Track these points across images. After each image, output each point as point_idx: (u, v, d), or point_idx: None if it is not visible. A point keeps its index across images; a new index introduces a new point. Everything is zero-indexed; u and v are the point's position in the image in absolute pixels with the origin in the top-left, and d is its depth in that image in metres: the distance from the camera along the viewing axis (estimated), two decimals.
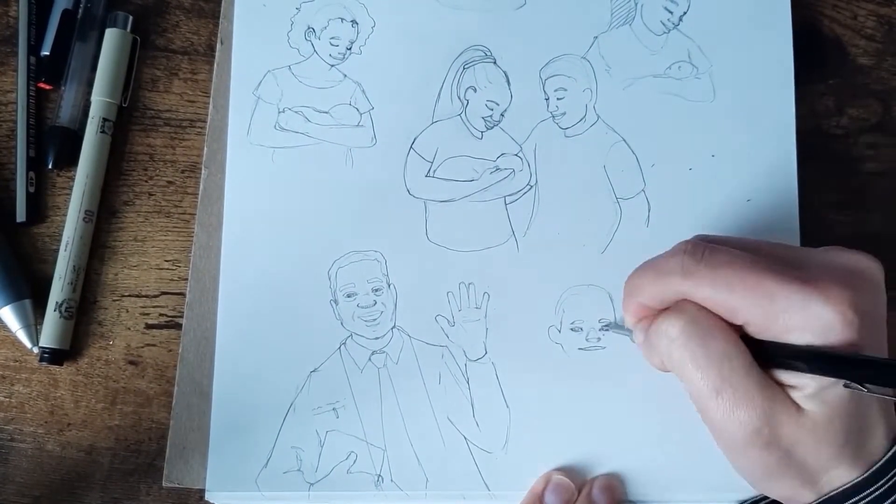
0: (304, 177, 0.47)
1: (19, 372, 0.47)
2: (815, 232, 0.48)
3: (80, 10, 0.50)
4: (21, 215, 0.48)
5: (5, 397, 0.47)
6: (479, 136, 0.48)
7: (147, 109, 0.50)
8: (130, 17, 0.50)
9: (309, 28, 0.49)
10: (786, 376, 0.36)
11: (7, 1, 0.50)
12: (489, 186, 0.47)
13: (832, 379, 0.35)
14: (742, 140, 0.48)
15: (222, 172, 0.47)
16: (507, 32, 0.49)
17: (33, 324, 0.47)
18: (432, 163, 0.47)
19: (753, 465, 0.38)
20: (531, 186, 0.47)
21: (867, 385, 0.34)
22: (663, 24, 0.49)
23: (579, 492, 0.44)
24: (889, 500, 0.35)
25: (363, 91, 0.48)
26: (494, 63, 0.48)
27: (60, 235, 0.48)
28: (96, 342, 0.48)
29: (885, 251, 0.48)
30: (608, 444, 0.45)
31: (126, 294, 0.48)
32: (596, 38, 0.49)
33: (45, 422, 0.47)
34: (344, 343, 0.46)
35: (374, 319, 0.46)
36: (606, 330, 0.46)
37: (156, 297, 0.48)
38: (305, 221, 0.47)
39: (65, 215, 0.48)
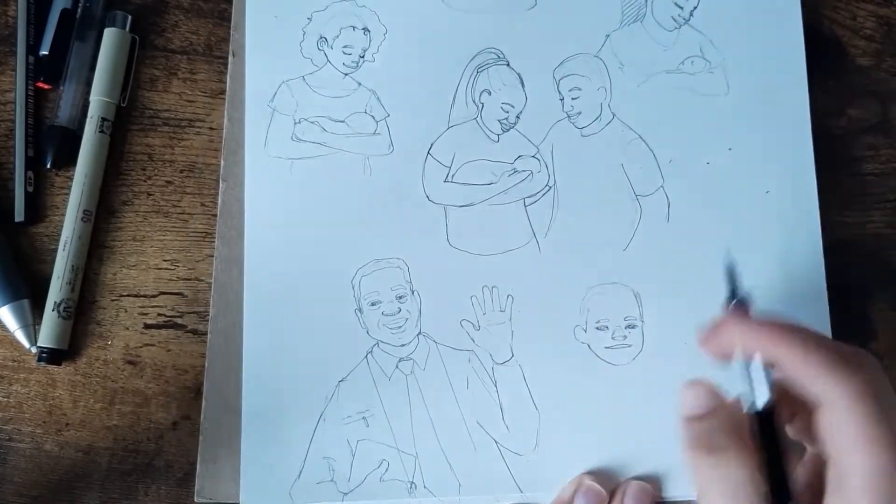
0: (322, 187, 0.47)
1: (17, 372, 0.47)
2: (816, 234, 0.48)
3: (79, 10, 0.50)
4: (19, 215, 0.48)
5: (3, 397, 0.47)
6: (496, 139, 0.48)
7: (146, 109, 0.50)
8: (129, 17, 0.50)
9: (321, 38, 0.48)
10: None
11: (6, 0, 0.50)
12: (508, 189, 0.47)
13: None
14: (758, 132, 0.48)
15: (240, 185, 0.47)
16: (519, 34, 0.49)
17: (31, 324, 0.47)
18: (450, 168, 0.47)
19: None
20: (550, 187, 0.48)
21: None
22: (674, 19, 0.49)
23: (611, 496, 0.44)
24: None
25: (378, 99, 0.48)
26: (508, 65, 0.48)
27: (59, 235, 0.47)
28: (95, 342, 0.48)
29: (885, 251, 0.49)
30: (640, 443, 0.45)
31: (124, 294, 0.48)
32: (608, 36, 0.49)
33: (44, 422, 0.47)
34: (370, 351, 0.46)
35: (400, 327, 0.46)
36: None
37: (154, 297, 0.48)
38: (326, 231, 0.47)
39: (63, 215, 0.48)
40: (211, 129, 0.49)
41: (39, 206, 0.49)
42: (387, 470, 0.45)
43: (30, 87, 0.49)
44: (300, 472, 0.45)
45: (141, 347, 0.47)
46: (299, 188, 0.47)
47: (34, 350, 0.47)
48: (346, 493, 0.45)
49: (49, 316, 0.46)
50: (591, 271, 0.47)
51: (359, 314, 0.46)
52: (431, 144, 0.48)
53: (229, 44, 0.49)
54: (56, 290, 0.47)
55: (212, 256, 0.47)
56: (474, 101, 0.48)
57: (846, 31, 0.52)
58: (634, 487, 0.44)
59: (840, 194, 0.50)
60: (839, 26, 0.52)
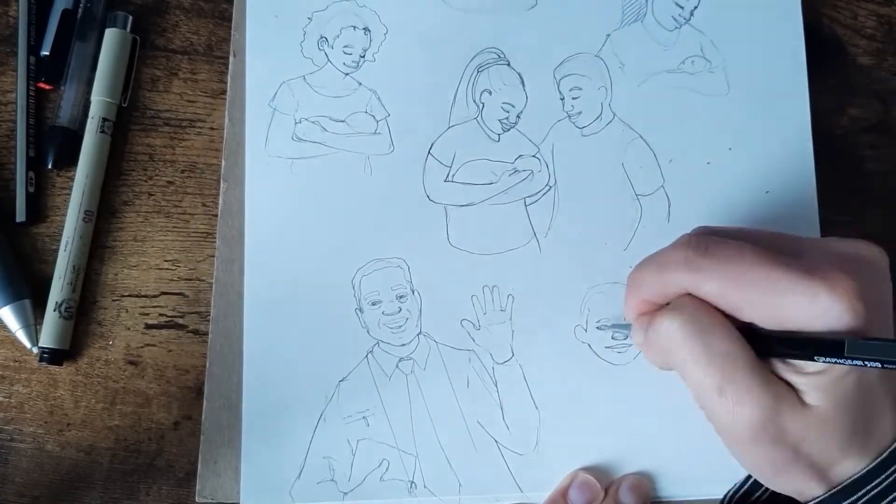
0: (323, 186, 0.47)
1: (19, 372, 0.47)
2: (815, 233, 0.48)
3: (80, 10, 0.50)
4: (21, 215, 0.48)
5: (5, 397, 0.47)
6: (496, 139, 0.48)
7: (147, 109, 0.50)
8: (130, 17, 0.50)
9: (322, 37, 0.48)
10: (789, 373, 0.36)
11: (7, 1, 0.50)
12: (508, 189, 0.47)
13: (837, 373, 0.34)
14: (758, 132, 0.48)
15: (241, 185, 0.47)
16: (520, 33, 0.49)
17: (33, 324, 0.47)
18: (451, 167, 0.47)
19: (761, 461, 0.37)
20: (550, 187, 0.48)
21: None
22: (674, 19, 0.49)
23: (606, 491, 0.44)
24: None
25: (379, 98, 0.48)
26: (508, 65, 0.48)
27: (60, 235, 0.47)
28: (96, 342, 0.48)
29: (885, 251, 0.49)
30: (639, 442, 0.45)
31: (126, 294, 0.48)
32: (608, 35, 0.49)
33: (45, 422, 0.47)
34: (371, 351, 0.46)
35: (400, 326, 0.46)
36: (603, 329, 0.46)
37: (155, 297, 0.48)
38: (327, 231, 0.47)
39: (64, 215, 0.48)
40: (212, 129, 0.49)
41: (40, 207, 0.49)
42: (387, 469, 0.45)
43: (31, 88, 0.49)
44: (300, 471, 0.45)
45: (142, 347, 0.47)
46: (300, 188, 0.47)
47: (35, 350, 0.47)
48: (346, 493, 0.45)
49: (50, 316, 0.46)
50: (591, 271, 0.47)
51: (359, 314, 0.46)
52: (432, 144, 0.48)
53: (230, 44, 0.49)
54: (57, 291, 0.47)
55: (213, 257, 0.47)
56: (475, 101, 0.48)
57: (847, 30, 0.52)
58: (630, 480, 0.44)
59: (840, 194, 0.50)
60: (840, 25, 0.52)
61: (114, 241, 0.49)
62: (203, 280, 0.48)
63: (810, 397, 0.35)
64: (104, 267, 0.48)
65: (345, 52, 0.48)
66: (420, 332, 0.46)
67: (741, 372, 0.35)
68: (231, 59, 0.49)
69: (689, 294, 0.37)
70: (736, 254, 0.36)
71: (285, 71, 0.48)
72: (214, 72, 0.50)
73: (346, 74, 0.48)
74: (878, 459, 0.36)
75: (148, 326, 0.48)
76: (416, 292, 0.46)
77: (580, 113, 0.48)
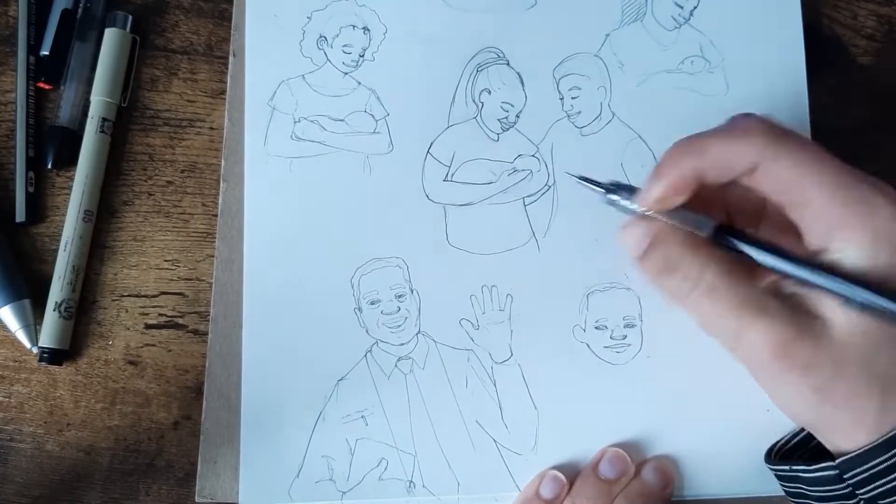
0: (322, 186, 0.47)
1: (19, 372, 0.47)
2: None
3: (80, 10, 0.50)
4: (20, 215, 0.48)
5: (5, 397, 0.47)
6: (496, 139, 0.48)
7: (146, 109, 0.50)
8: (130, 17, 0.50)
9: (321, 37, 0.48)
10: (816, 304, 0.35)
11: (6, 0, 0.50)
12: (507, 188, 0.47)
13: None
14: None
15: (241, 185, 0.47)
16: (519, 33, 0.49)
17: (33, 324, 0.47)
18: (450, 167, 0.47)
19: (797, 396, 0.36)
20: (549, 187, 0.48)
21: None
22: (674, 19, 0.49)
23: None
24: None
25: (378, 98, 0.48)
26: (507, 64, 0.48)
27: (60, 235, 0.48)
28: (96, 342, 0.48)
29: None
30: (637, 441, 0.45)
31: (125, 294, 0.48)
32: (608, 35, 0.49)
33: (45, 422, 0.47)
34: (370, 350, 0.46)
35: (399, 326, 0.46)
36: (612, 198, 0.38)
37: (155, 297, 0.48)
38: (326, 230, 0.47)
39: (64, 215, 0.48)
40: (211, 129, 0.49)
41: (40, 207, 0.49)
42: (386, 469, 0.45)
43: (30, 88, 0.49)
44: (299, 470, 0.45)
45: (142, 347, 0.48)
46: (299, 187, 0.47)
47: (35, 350, 0.47)
48: (344, 492, 0.45)
49: (50, 316, 0.46)
50: (590, 271, 0.47)
51: (358, 313, 0.46)
52: (431, 143, 0.48)
53: (230, 44, 0.49)
54: (57, 291, 0.47)
55: (212, 256, 0.48)
56: (474, 101, 0.48)
57: (847, 30, 0.52)
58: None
59: None
60: (840, 25, 0.52)
61: (113, 240, 0.49)
62: (203, 280, 0.48)
63: (838, 331, 0.34)
64: (104, 267, 0.48)
65: (344, 52, 0.48)
66: (419, 332, 0.46)
67: (754, 310, 0.35)
68: (231, 58, 0.49)
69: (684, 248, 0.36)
70: (812, 145, 0.36)
71: (284, 70, 0.48)
72: (214, 72, 0.50)
73: (346, 74, 0.48)
74: None
75: (148, 326, 0.48)
76: (414, 292, 0.46)
77: (579, 112, 0.48)
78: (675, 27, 0.49)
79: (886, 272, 0.33)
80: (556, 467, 0.45)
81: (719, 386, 0.45)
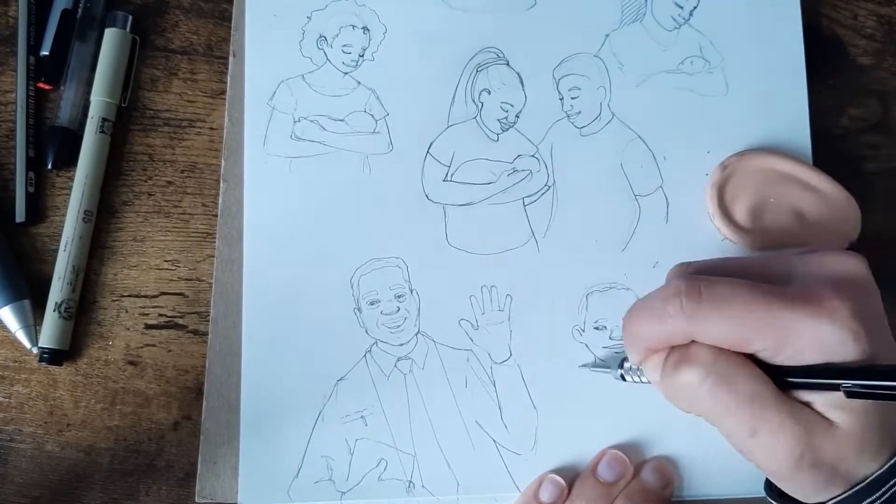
0: (322, 186, 0.47)
1: (19, 372, 0.47)
2: None
3: (80, 10, 0.50)
4: (20, 215, 0.48)
5: (4, 398, 0.47)
6: (495, 139, 0.48)
7: (146, 109, 0.50)
8: (130, 17, 0.50)
9: (321, 36, 0.48)
10: (808, 396, 0.36)
11: (6, 1, 0.50)
12: (507, 188, 0.47)
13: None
14: (757, 132, 0.48)
15: (241, 185, 0.47)
16: (519, 33, 0.49)
17: (32, 324, 0.47)
18: (449, 167, 0.47)
19: (805, 485, 0.37)
20: (549, 187, 0.48)
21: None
22: (674, 19, 0.49)
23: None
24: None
25: (377, 97, 0.48)
26: (507, 64, 0.48)
27: (60, 235, 0.47)
28: (95, 342, 0.48)
29: (885, 251, 0.49)
30: (637, 442, 0.45)
31: (125, 294, 0.48)
32: (607, 35, 0.49)
33: (45, 422, 0.47)
34: (369, 350, 0.46)
35: (398, 326, 0.46)
36: (590, 368, 0.45)
37: (155, 297, 0.48)
38: (325, 230, 0.47)
39: (64, 215, 0.48)
40: (211, 129, 0.49)
41: (40, 207, 0.49)
42: (385, 469, 0.45)
43: (30, 88, 0.49)
44: (298, 470, 0.45)
45: (142, 348, 0.48)
46: (298, 187, 0.47)
47: (35, 350, 0.47)
48: (344, 492, 0.45)
49: (50, 316, 0.46)
50: (589, 271, 0.47)
51: (357, 313, 0.46)
52: (431, 143, 0.48)
53: (230, 44, 0.49)
54: (57, 291, 0.47)
55: (212, 257, 0.48)
56: (474, 101, 0.48)
57: (847, 30, 0.52)
58: (610, 455, 0.44)
59: None
60: (839, 26, 0.52)
61: (113, 241, 0.49)
62: (203, 280, 0.48)
63: (834, 416, 0.35)
64: (104, 267, 0.48)
65: (344, 52, 0.48)
66: (418, 332, 0.46)
67: (770, 410, 0.35)
68: (231, 58, 0.49)
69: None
70: (731, 293, 0.36)
71: (284, 70, 0.48)
72: (214, 72, 0.50)
73: (345, 73, 0.48)
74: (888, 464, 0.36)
75: (148, 327, 0.48)
76: (414, 292, 0.46)
77: (579, 113, 0.48)
78: (675, 27, 0.49)
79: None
80: (555, 467, 0.45)
81: None
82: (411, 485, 0.45)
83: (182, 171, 0.49)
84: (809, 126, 0.48)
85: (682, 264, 0.40)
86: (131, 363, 0.47)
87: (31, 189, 0.48)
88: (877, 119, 0.51)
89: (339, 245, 0.47)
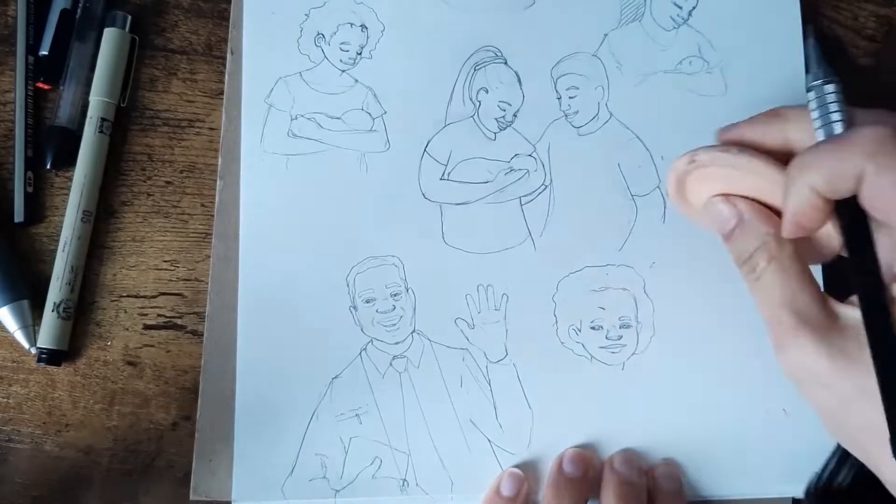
0: (318, 183, 0.47)
1: (17, 373, 0.47)
2: None
3: (79, 10, 0.50)
4: (19, 215, 0.48)
5: (3, 398, 0.47)
6: (493, 138, 0.48)
7: (146, 109, 0.50)
8: (129, 17, 0.50)
9: (319, 34, 0.49)
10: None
11: (5, 0, 0.50)
12: (504, 188, 0.47)
13: None
14: None
15: (237, 183, 0.47)
16: (517, 32, 0.49)
17: (31, 324, 0.47)
18: (446, 165, 0.47)
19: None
20: (546, 186, 0.47)
21: None
22: (672, 19, 0.49)
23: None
24: None
25: (375, 95, 0.48)
26: (505, 63, 0.48)
27: (58, 236, 0.47)
28: (94, 343, 0.48)
29: None
30: (631, 443, 0.45)
31: (124, 294, 0.48)
32: (606, 35, 0.49)
33: (44, 422, 0.47)
34: (364, 349, 0.46)
35: (394, 324, 0.46)
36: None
37: (154, 297, 0.48)
38: (322, 228, 0.47)
39: (63, 215, 0.48)
40: (211, 129, 0.49)
41: (39, 207, 0.49)
42: (379, 467, 0.45)
43: (29, 88, 0.49)
44: (293, 468, 0.45)
45: (140, 348, 0.48)
46: (295, 185, 0.47)
47: (34, 351, 0.47)
48: (338, 490, 0.44)
49: (49, 317, 0.46)
50: (586, 271, 0.46)
51: (353, 311, 0.46)
52: (428, 142, 0.48)
53: (228, 42, 0.49)
54: (56, 291, 0.47)
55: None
56: (471, 99, 0.48)
57: (847, 31, 0.51)
58: (571, 452, 0.44)
59: None
60: (840, 26, 0.51)
61: (112, 241, 0.49)
62: (202, 280, 0.48)
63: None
64: (102, 267, 0.48)
65: (341, 49, 0.48)
66: (414, 331, 0.46)
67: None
68: (229, 56, 0.49)
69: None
70: None
71: (282, 67, 0.48)
72: (213, 72, 0.50)
73: (343, 71, 0.48)
74: None
75: (146, 327, 0.48)
76: (410, 290, 0.46)
77: (577, 112, 0.48)
78: (674, 27, 0.49)
79: None
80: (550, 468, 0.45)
81: (715, 387, 0.45)
82: (405, 483, 0.45)
83: (181, 172, 0.49)
84: None
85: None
86: (130, 363, 0.47)
87: (30, 189, 0.48)
88: None
89: (335, 243, 0.47)
